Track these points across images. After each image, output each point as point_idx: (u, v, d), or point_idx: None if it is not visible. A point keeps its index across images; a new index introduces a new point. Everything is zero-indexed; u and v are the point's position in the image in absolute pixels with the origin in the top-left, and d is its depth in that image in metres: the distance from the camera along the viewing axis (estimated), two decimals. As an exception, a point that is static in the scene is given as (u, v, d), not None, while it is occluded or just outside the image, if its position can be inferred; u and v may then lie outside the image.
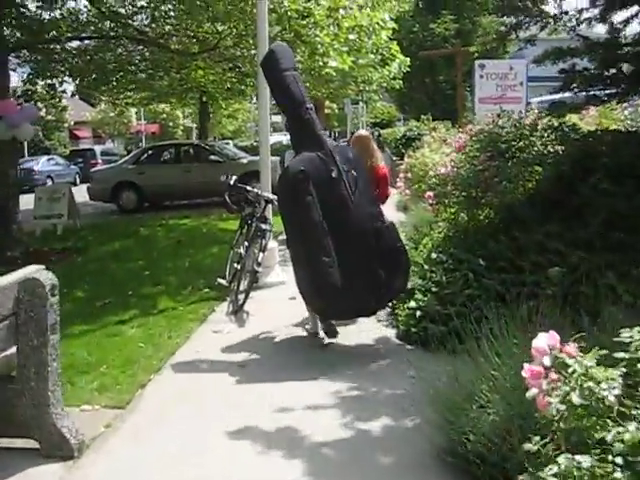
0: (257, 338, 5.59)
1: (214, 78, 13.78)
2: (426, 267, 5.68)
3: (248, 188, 7.13)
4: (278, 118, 48.55)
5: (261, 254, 6.33)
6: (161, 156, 17.28)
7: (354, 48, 11.44)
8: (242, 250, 6.79)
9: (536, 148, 5.52)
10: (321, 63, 10.33)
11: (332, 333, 5.28)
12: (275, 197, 6.21)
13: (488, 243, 5.41)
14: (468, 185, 5.46)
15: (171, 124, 51.23)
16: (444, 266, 5.51)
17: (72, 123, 42.12)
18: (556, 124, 6.02)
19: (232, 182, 7.13)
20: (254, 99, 29.04)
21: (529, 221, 5.33)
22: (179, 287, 7.46)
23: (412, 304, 5.33)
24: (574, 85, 5.71)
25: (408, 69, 16.99)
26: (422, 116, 20.20)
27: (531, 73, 17.99)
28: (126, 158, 18.11)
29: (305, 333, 5.61)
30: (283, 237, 6.77)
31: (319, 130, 5.18)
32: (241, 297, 6.37)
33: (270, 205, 6.97)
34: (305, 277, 5.06)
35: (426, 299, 5.29)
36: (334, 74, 15.89)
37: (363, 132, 6.73)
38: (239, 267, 6.58)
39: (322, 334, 5.34)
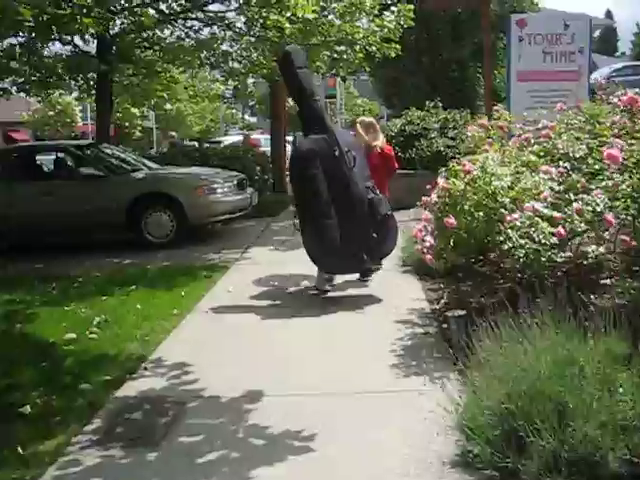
0: None
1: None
2: None
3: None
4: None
5: None
6: (12, 168, 10.42)
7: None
8: None
9: None
10: None
11: (322, 292, 6.28)
12: None
13: None
14: None
15: (127, 124, 44.35)
16: None
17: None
18: None
19: None
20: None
21: None
22: None
23: None
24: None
25: (411, 22, 10.66)
26: (427, 102, 13.76)
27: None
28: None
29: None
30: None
31: (326, 117, 6.26)
32: None
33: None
34: (311, 237, 5.95)
35: None
36: (287, 26, 9.55)
37: (369, 119, 7.15)
38: None
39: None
